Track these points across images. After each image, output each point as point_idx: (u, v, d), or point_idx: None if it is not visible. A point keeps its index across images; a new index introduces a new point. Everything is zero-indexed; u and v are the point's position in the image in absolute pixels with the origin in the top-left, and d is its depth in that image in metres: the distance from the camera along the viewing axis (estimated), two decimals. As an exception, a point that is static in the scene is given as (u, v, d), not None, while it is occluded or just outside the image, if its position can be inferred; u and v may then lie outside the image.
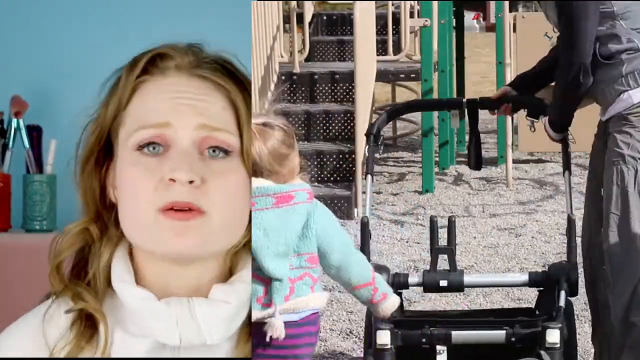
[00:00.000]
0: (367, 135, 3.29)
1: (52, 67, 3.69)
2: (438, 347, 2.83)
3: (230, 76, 1.85)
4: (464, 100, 3.36)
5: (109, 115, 1.83)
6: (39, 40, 3.69)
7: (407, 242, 5.91)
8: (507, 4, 7.88)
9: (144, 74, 1.83)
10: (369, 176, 3.28)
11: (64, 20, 3.68)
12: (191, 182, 1.75)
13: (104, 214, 1.88)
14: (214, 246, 1.81)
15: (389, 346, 2.81)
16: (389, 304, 2.64)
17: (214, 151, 1.80)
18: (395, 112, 3.97)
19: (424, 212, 6.70)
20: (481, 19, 27.74)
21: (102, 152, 1.86)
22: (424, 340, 2.85)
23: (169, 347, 1.81)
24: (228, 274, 1.89)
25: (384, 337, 2.81)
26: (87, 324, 1.84)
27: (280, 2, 7.71)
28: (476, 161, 3.35)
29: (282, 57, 7.60)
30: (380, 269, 2.95)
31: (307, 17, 8.22)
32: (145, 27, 3.55)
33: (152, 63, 1.84)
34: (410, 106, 4.04)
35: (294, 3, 7.63)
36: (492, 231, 6.11)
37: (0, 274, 3.44)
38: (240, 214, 1.83)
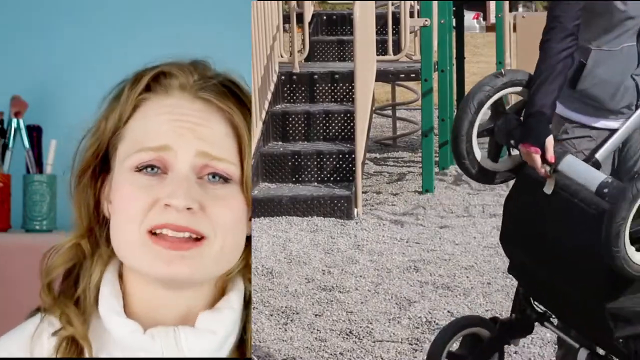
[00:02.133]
0: None
1: (52, 67, 3.69)
2: None
3: (235, 99, 1.81)
4: None
5: (109, 130, 1.80)
6: (39, 40, 3.69)
7: (407, 242, 5.91)
8: (507, 4, 7.89)
9: (146, 91, 1.80)
10: None
11: (64, 20, 3.68)
12: (189, 208, 1.74)
13: (97, 230, 1.84)
14: (211, 272, 1.78)
15: None
16: None
17: (213, 177, 1.78)
18: None
19: (424, 212, 6.70)
20: (481, 19, 27.79)
21: (98, 166, 1.83)
22: None
23: None
24: (219, 299, 1.85)
25: None
26: (72, 348, 1.80)
27: (280, 2, 7.72)
28: None
29: (281, 57, 7.61)
30: None
31: (307, 17, 8.22)
32: (145, 27, 3.55)
33: (155, 80, 1.81)
34: None
35: (293, 3, 7.63)
36: (492, 231, 6.11)
37: (0, 274, 3.44)
38: (238, 240, 1.81)
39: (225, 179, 1.77)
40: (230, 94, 1.81)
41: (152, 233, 1.73)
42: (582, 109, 2.88)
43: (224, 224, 1.75)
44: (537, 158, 2.67)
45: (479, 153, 2.78)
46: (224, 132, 1.79)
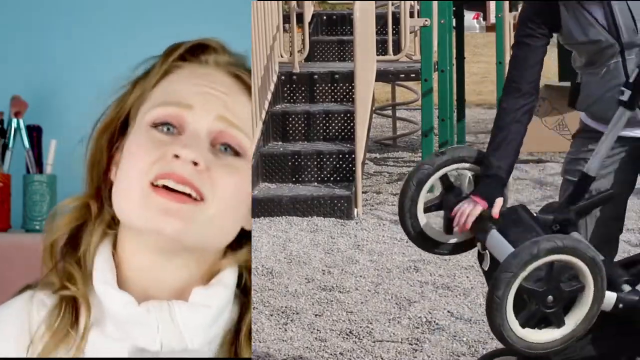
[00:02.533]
0: None
1: (52, 67, 3.69)
2: None
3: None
4: None
5: (135, 93, 1.84)
6: (39, 40, 3.69)
7: (407, 242, 5.90)
8: (507, 4, 7.88)
9: (181, 60, 1.85)
10: None
11: (64, 20, 3.69)
12: (196, 163, 1.74)
13: (104, 193, 1.86)
14: (201, 236, 1.78)
15: None
16: None
17: (225, 149, 1.80)
18: None
19: (423, 212, 6.70)
20: (481, 19, 27.76)
21: (117, 131, 1.86)
22: None
23: (148, 351, 1.79)
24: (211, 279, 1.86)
25: None
26: (70, 311, 1.81)
27: (280, 2, 7.72)
28: None
29: (281, 57, 7.61)
30: None
31: (307, 17, 8.22)
32: (145, 26, 3.55)
33: (191, 53, 1.86)
34: None
35: (293, 3, 7.63)
36: (492, 231, 6.10)
37: (0, 274, 3.44)
38: (236, 212, 1.82)
39: (237, 152, 1.80)
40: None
41: (155, 186, 1.74)
42: (592, 117, 2.92)
43: (224, 190, 1.77)
44: (477, 210, 2.68)
45: (429, 227, 2.83)
46: (247, 110, 1.83)
